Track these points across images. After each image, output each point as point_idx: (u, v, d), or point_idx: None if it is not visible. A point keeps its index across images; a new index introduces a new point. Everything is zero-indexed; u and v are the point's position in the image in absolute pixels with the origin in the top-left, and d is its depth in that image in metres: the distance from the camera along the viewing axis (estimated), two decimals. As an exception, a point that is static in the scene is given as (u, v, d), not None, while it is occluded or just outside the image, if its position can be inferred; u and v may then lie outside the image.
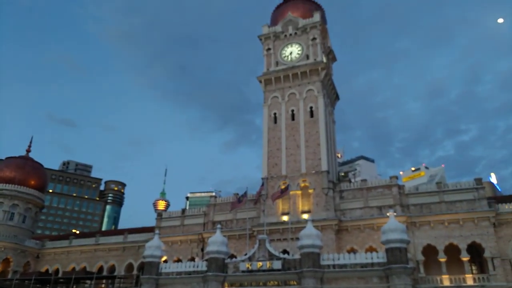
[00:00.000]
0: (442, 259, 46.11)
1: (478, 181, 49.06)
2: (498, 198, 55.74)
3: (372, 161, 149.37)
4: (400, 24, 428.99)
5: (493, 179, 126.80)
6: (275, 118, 60.55)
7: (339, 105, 69.44)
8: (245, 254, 43.91)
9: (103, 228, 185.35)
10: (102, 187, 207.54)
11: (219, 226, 46.46)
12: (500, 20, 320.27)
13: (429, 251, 47.18)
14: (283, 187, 52.83)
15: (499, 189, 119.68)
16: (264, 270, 40.38)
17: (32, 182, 77.61)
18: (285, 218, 52.90)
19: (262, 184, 56.18)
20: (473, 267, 47.97)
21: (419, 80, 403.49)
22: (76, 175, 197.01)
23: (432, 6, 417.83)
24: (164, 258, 49.13)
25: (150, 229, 64.37)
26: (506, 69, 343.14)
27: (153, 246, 45.80)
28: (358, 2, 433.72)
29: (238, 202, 53.36)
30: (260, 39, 66.03)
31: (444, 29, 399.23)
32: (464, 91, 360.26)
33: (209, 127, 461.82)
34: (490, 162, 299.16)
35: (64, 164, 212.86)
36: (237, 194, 59.32)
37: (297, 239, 42.01)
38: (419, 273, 45.70)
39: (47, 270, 70.47)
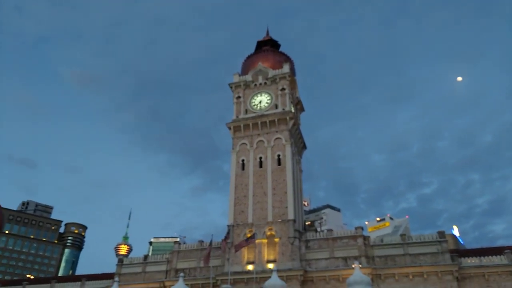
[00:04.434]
0: (407, 313, 45.66)
1: (441, 234, 49.76)
2: (461, 252, 56.35)
3: (338, 210, 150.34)
4: (363, 81, 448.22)
5: (456, 231, 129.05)
6: (243, 164, 60.55)
7: (306, 155, 70.42)
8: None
9: (60, 273, 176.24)
10: (62, 230, 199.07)
11: (182, 274, 44.81)
12: (459, 78, 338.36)
13: (394, 305, 46.76)
14: (249, 235, 52.10)
15: (462, 242, 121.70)
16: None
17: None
18: (250, 267, 51.73)
19: (228, 232, 55.22)
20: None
21: (382, 133, 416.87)
22: (35, 216, 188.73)
23: (393, 65, 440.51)
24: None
25: (109, 276, 61.43)
26: (463, 126, 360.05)
27: (110, 296, 43.63)
28: (324, 58, 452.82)
29: (208, 253, 50.78)
30: (231, 87, 67.06)
31: (405, 87, 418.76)
32: (425, 146, 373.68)
33: (178, 172, 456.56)
34: (451, 215, 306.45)
35: (23, 204, 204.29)
36: (202, 241, 58.17)
37: (261, 290, 40.93)
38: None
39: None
